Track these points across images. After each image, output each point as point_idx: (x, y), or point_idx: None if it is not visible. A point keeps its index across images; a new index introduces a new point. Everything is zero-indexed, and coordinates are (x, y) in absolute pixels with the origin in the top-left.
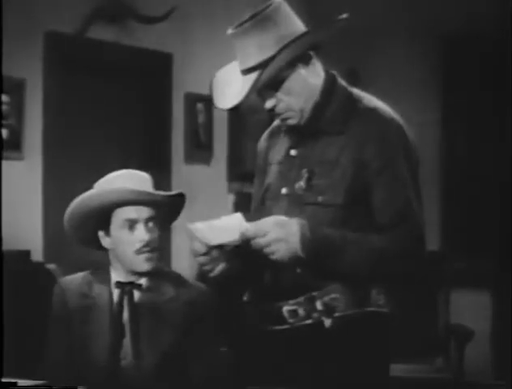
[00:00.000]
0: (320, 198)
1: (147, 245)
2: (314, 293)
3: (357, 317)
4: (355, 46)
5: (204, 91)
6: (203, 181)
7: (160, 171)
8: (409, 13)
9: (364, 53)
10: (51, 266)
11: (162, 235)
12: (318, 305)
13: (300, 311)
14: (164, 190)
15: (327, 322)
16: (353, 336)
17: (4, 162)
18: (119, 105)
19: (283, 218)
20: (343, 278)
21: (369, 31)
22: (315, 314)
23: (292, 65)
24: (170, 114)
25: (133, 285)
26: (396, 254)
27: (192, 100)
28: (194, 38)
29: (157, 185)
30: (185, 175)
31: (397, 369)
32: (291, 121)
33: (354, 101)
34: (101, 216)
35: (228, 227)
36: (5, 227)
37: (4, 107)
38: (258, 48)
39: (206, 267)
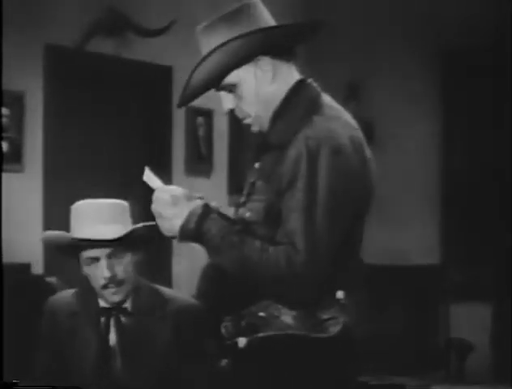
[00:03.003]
0: (247, 214)
1: (110, 280)
2: (244, 311)
3: (274, 340)
4: (355, 59)
5: (204, 105)
6: (204, 194)
7: None
8: (409, 26)
9: (364, 65)
10: (51, 279)
11: (135, 263)
12: (243, 323)
13: (230, 328)
14: None
15: (242, 341)
16: (264, 359)
17: (4, 174)
18: (119, 118)
19: (184, 198)
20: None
21: (368, 43)
22: (239, 332)
23: (230, 67)
24: (170, 127)
25: (118, 310)
26: (267, 272)
27: (192, 113)
28: (193, 51)
29: None
30: (186, 188)
31: (398, 383)
32: (253, 128)
33: (311, 114)
34: (70, 254)
35: (157, 183)
36: (5, 239)
37: (4, 120)
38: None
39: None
